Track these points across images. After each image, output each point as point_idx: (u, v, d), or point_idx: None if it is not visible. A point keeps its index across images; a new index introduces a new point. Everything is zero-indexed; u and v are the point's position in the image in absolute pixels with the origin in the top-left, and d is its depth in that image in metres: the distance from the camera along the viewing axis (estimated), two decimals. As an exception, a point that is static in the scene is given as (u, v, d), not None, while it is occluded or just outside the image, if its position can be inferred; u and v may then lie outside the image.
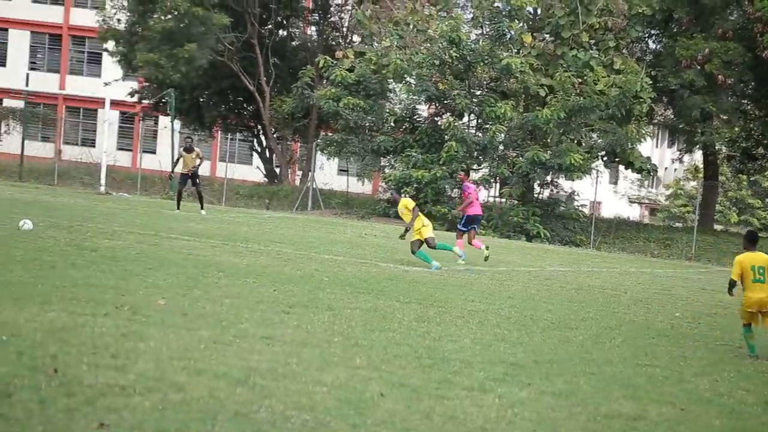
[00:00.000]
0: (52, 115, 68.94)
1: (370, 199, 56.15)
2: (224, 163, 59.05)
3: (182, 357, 9.68)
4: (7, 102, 67.86)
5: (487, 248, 26.70)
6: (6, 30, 75.28)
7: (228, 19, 54.65)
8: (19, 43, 75.37)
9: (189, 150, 35.77)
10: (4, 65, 74.87)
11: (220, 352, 10.18)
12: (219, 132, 66.23)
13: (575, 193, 52.56)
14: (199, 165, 35.95)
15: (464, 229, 27.39)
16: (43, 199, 36.74)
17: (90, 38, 71.41)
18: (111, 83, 59.01)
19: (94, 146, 69.18)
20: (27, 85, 58.07)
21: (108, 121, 51.85)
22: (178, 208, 36.29)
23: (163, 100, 56.24)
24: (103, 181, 48.70)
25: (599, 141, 51.46)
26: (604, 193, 65.59)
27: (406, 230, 23.36)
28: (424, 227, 23.46)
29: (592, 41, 50.81)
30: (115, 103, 55.25)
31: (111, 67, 65.85)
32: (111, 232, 23.78)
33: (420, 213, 23.73)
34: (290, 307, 14.05)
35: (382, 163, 53.44)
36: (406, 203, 23.62)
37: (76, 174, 55.73)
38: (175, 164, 36.86)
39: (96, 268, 16.26)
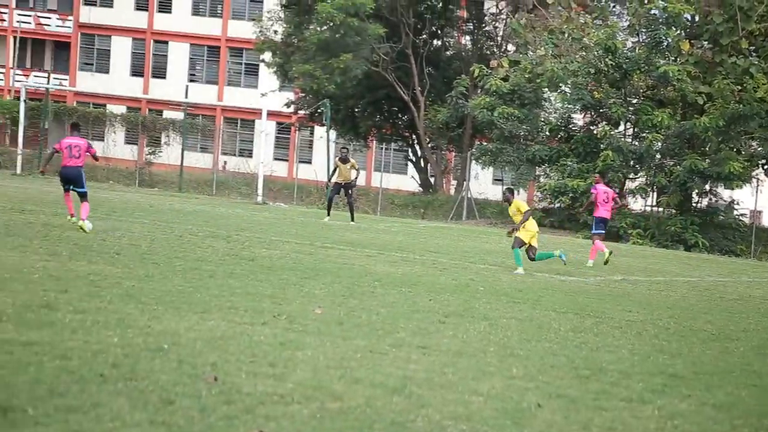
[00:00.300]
0: (211, 127, 70.25)
1: (524, 208, 55.74)
2: (379, 172, 59.39)
3: (339, 366, 9.73)
4: (167, 114, 69.37)
5: (610, 253, 26.73)
6: (166, 43, 77.00)
7: (383, 30, 54.97)
8: (178, 55, 77.02)
9: (344, 160, 36.11)
10: (164, 77, 76.60)
11: (376, 361, 10.20)
12: (374, 142, 66.67)
13: (735, 202, 51.46)
14: (356, 178, 36.34)
15: (600, 231, 27.62)
16: (202, 209, 37.45)
17: (247, 50, 72.61)
18: (267, 94, 59.90)
19: (251, 156, 70.27)
20: (186, 96, 59.33)
21: (265, 131, 52.64)
22: (329, 215, 36.81)
23: (319, 111, 56.83)
24: (260, 191, 49.41)
25: (759, 149, 50.30)
26: (765, 201, 64.13)
27: (515, 230, 23.24)
28: (532, 235, 23.27)
29: (752, 48, 49.70)
30: (271, 114, 56.10)
31: (267, 78, 66.85)
32: (268, 242, 24.10)
33: (531, 218, 23.57)
34: (446, 317, 14.02)
35: (537, 173, 53.15)
36: (518, 205, 23.55)
37: (233, 184, 56.71)
38: (331, 174, 37.21)
39: (254, 277, 16.47)
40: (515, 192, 27.85)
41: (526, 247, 23.26)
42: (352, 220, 36.91)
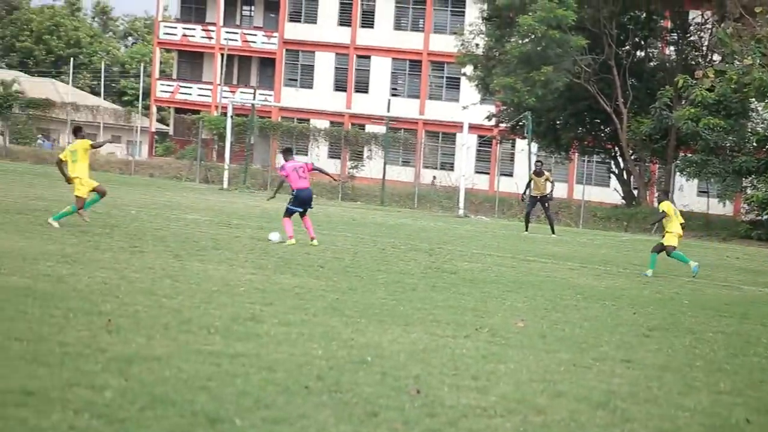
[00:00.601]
0: (412, 140, 70.75)
1: (731, 220, 54.42)
2: (581, 185, 58.76)
3: (542, 379, 9.66)
4: (370, 128, 70.18)
5: None
6: (369, 57, 77.93)
7: (585, 41, 54.44)
8: (380, 69, 77.85)
9: (539, 174, 35.94)
10: (366, 92, 77.52)
11: (579, 374, 10.09)
12: (576, 154, 66.03)
13: None
14: (551, 191, 36.16)
15: None
16: (404, 222, 37.73)
17: (448, 63, 72.92)
18: (469, 107, 59.96)
19: (452, 170, 70.48)
20: (388, 111, 59.90)
21: (466, 144, 52.71)
22: (527, 230, 36.64)
23: (520, 124, 56.63)
24: (461, 204, 49.51)
25: None
26: None
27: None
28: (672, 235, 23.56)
29: None
30: (473, 127, 56.14)
31: (469, 91, 66.97)
32: (470, 255, 24.13)
33: (675, 220, 23.59)
34: (650, 330, 13.78)
35: (744, 184, 51.75)
36: (664, 207, 23.63)
37: (435, 197, 56.98)
38: (526, 187, 37.01)
39: (456, 290, 16.50)
40: (669, 195, 27.86)
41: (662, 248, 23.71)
42: (553, 232, 36.62)
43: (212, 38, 79.99)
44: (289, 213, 22.91)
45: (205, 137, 65.03)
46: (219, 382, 8.60)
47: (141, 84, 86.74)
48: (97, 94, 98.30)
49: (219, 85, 76.47)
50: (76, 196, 21.80)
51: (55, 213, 22.13)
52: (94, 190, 22.04)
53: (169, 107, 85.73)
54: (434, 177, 66.11)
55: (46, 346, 9.57)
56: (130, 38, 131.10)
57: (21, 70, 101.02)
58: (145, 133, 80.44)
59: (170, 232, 22.60)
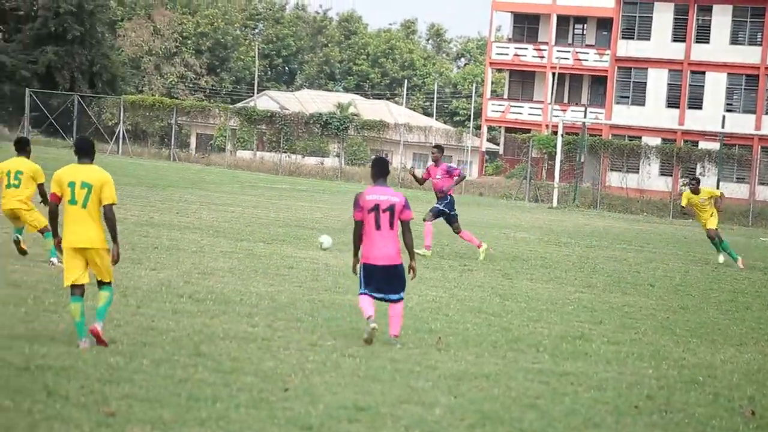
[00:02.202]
0: (747, 156, 68.56)
1: None
2: None
3: None
4: (703, 144, 68.55)
5: None
6: (703, 73, 76.16)
7: None
8: (715, 85, 75.92)
9: None
10: (699, 108, 75.76)
11: None
12: None
13: None
14: None
15: None
16: (737, 239, 36.58)
17: (787, 77, 70.29)
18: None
19: (790, 186, 67.80)
20: (723, 126, 58.29)
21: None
22: None
23: None
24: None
25: None
26: None
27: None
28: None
29: None
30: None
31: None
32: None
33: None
34: None
35: None
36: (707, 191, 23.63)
37: (771, 215, 55.01)
38: None
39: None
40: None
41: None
42: None
43: (544, 57, 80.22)
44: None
45: (535, 156, 65.21)
46: (547, 401, 8.62)
47: (472, 104, 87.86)
48: (429, 114, 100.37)
49: (550, 104, 76.55)
50: None
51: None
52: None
53: (499, 126, 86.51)
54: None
55: (378, 362, 9.86)
56: (462, 59, 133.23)
57: (357, 93, 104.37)
58: (475, 152, 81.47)
59: (499, 250, 22.79)
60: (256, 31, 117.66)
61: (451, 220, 20.76)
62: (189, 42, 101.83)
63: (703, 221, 23.48)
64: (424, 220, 20.64)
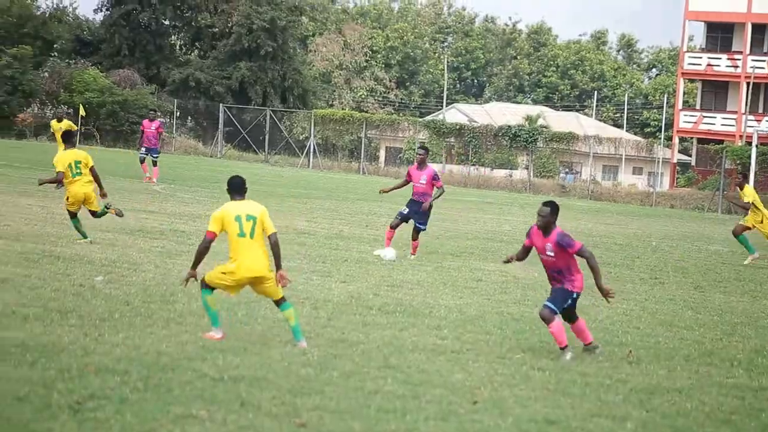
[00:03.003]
0: None
1: None
2: None
3: None
4: None
5: None
6: None
7: None
8: None
9: None
10: None
11: None
12: None
13: None
14: None
15: None
16: None
17: None
18: None
19: None
20: None
21: None
22: None
23: None
24: None
25: None
26: None
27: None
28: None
29: None
30: None
31: None
32: None
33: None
34: None
35: None
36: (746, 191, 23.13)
37: None
38: None
39: None
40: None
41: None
42: None
43: (738, 66, 78.39)
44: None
45: (728, 167, 63.76)
46: (743, 416, 8.44)
47: (663, 115, 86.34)
48: (619, 126, 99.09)
49: (744, 113, 74.76)
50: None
51: None
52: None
53: (691, 137, 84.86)
54: None
55: (568, 375, 9.79)
56: (653, 69, 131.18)
57: (546, 105, 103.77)
58: (666, 164, 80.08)
59: (692, 263, 22.37)
60: (446, 44, 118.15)
61: (418, 229, 18.80)
62: (379, 56, 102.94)
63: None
64: (391, 227, 18.78)
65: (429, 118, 78.81)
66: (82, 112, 50.20)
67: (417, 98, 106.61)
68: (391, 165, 69.30)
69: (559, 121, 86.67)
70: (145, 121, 33.92)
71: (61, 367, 8.70)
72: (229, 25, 77.82)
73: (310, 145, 65.87)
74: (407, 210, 18.76)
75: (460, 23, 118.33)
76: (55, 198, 22.71)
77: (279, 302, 10.72)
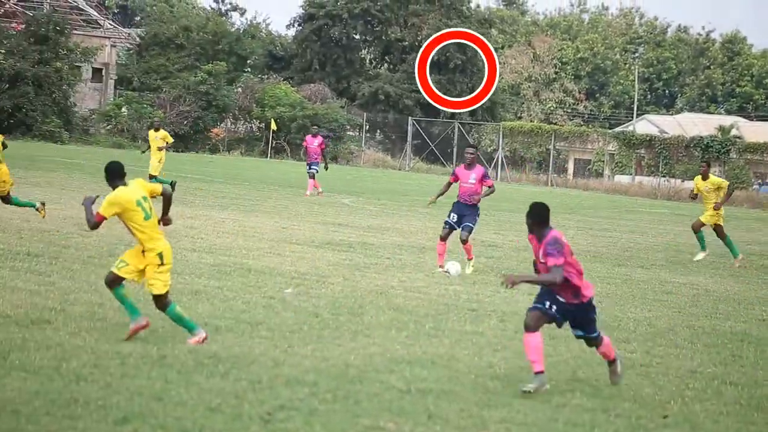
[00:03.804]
0: None
1: None
2: None
3: None
4: None
5: None
6: None
7: None
8: None
9: None
10: None
11: None
12: None
13: None
14: None
15: None
16: None
17: None
18: None
19: None
20: None
21: None
22: None
23: None
24: None
25: None
26: None
27: None
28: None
29: None
30: None
31: None
32: None
33: None
34: None
35: None
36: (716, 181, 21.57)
37: None
38: None
39: None
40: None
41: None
42: None
43: None
44: None
45: None
46: None
47: None
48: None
49: None
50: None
51: None
52: None
53: None
54: None
55: (762, 390, 9.56)
56: None
57: (740, 115, 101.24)
58: None
59: None
60: (636, 54, 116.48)
61: (468, 229, 17.55)
62: (568, 67, 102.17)
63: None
64: (442, 238, 17.46)
65: (618, 129, 77.88)
66: (273, 126, 51.23)
67: (606, 109, 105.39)
68: (580, 177, 68.69)
69: (754, 131, 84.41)
70: (308, 137, 34.15)
71: (252, 378, 8.87)
72: (419, 38, 78.36)
73: (498, 157, 65.82)
74: (455, 216, 17.60)
75: (651, 33, 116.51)
76: (248, 212, 23.21)
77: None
